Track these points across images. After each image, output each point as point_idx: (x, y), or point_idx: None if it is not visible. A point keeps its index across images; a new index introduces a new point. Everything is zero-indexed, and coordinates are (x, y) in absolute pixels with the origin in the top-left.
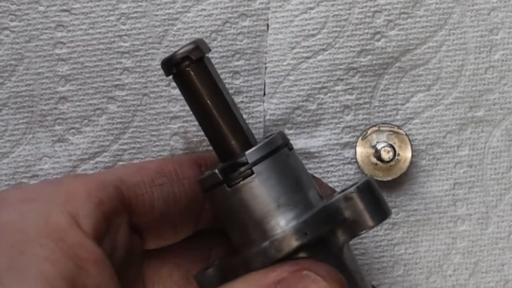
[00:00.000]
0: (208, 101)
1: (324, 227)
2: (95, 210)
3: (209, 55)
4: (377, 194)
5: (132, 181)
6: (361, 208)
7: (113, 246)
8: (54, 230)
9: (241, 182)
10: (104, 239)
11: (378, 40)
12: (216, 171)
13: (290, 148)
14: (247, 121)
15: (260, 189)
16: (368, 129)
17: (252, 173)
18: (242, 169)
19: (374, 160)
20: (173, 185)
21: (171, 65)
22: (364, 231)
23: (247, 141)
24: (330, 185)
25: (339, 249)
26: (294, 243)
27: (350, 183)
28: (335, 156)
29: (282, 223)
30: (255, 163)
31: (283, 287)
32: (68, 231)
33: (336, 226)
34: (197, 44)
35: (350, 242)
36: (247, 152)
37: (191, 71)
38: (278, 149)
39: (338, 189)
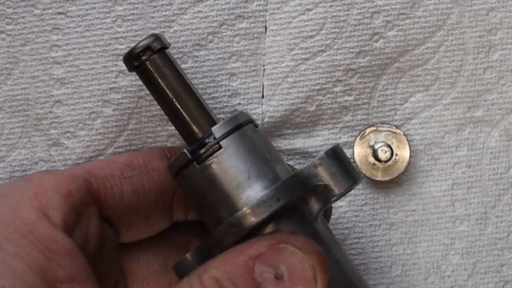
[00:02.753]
0: (173, 93)
1: (296, 192)
2: (64, 202)
3: (207, 56)
4: (345, 160)
5: (101, 174)
6: (331, 173)
7: (84, 237)
8: (23, 225)
9: (210, 158)
10: (75, 230)
11: (376, 41)
12: (185, 150)
13: (256, 125)
14: None
15: (229, 163)
16: (366, 129)
17: (220, 147)
18: (210, 144)
19: (372, 160)
20: (142, 177)
21: (132, 58)
22: (335, 197)
23: (212, 122)
24: None
25: (313, 218)
26: (267, 209)
27: None
28: None
29: (254, 193)
30: (222, 137)
31: (261, 262)
32: (37, 225)
33: (307, 191)
34: (157, 36)
35: (347, 242)
36: (213, 128)
37: (152, 62)
38: (244, 125)
39: None
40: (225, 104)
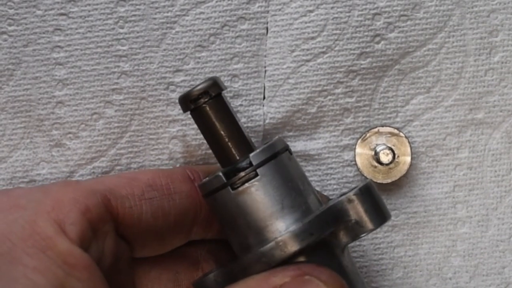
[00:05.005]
0: (226, 133)
1: (329, 227)
2: (81, 217)
3: (209, 57)
4: (377, 197)
5: (121, 193)
6: (364, 209)
7: (100, 253)
8: (41, 239)
9: (246, 185)
10: (91, 246)
11: (377, 43)
12: (220, 173)
13: (291, 153)
14: (246, 125)
15: (264, 191)
16: (368, 131)
17: (257, 175)
18: (247, 171)
19: (374, 162)
20: (163, 200)
21: (189, 100)
22: (365, 234)
23: (250, 148)
24: (329, 187)
25: (341, 251)
26: (300, 243)
27: (350, 185)
28: (335, 158)
29: (287, 225)
30: (259, 165)
31: None
32: (55, 239)
33: (339, 226)
34: (215, 80)
35: (349, 245)
36: (251, 155)
37: (209, 106)
38: (280, 153)
39: (337, 192)
40: None
